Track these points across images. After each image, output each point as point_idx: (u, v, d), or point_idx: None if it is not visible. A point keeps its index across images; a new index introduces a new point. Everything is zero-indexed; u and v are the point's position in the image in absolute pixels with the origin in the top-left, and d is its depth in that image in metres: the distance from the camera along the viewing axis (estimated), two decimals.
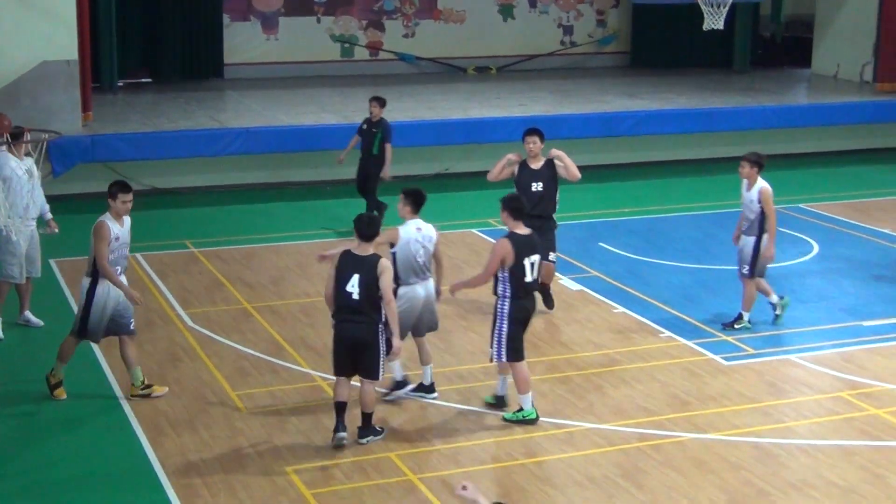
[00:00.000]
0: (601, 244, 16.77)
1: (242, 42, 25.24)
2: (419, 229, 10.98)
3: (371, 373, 10.15)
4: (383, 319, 10.08)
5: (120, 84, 23.33)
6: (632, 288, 14.73)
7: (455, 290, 11.21)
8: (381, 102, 17.25)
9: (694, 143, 22.38)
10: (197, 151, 19.16)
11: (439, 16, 26.61)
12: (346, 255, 10.08)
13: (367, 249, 10.05)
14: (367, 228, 10.10)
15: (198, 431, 10.51)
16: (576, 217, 17.87)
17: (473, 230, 17.35)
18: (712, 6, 19.67)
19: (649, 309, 13.98)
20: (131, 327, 11.24)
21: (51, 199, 18.34)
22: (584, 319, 13.66)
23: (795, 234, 17.45)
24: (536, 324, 13.33)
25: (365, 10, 26.07)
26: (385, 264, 10.03)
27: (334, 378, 10.34)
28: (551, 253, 13.38)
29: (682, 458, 10.18)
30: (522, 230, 10.64)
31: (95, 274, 10.99)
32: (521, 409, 10.82)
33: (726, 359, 12.48)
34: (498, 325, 10.70)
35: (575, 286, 14.81)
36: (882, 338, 13.15)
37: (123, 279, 11.09)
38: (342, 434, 10.19)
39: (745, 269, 13.24)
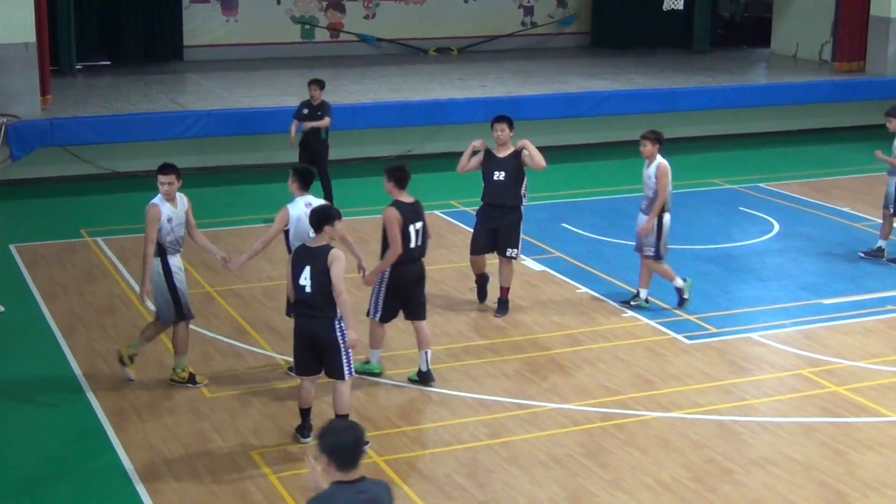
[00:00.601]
0: (564, 225, 16.81)
1: (202, 24, 25.09)
2: (309, 205, 10.75)
3: (337, 373, 9.85)
4: (339, 315, 9.78)
5: (79, 67, 23.14)
6: (594, 268, 14.78)
7: (370, 282, 11.20)
8: (322, 85, 17.23)
9: (655, 123, 22.17)
10: (157, 134, 19.04)
11: None
12: (301, 247, 9.88)
13: (319, 241, 9.79)
14: (315, 219, 9.83)
15: (161, 417, 10.47)
16: (538, 198, 17.87)
17: (436, 212, 17.31)
18: None
19: (612, 289, 14.03)
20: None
21: (10, 183, 18.32)
22: (546, 300, 13.70)
23: (756, 213, 17.55)
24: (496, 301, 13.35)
25: None
26: (336, 254, 9.67)
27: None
28: (509, 248, 13.09)
29: (646, 436, 10.24)
30: (407, 198, 11.03)
31: (162, 253, 10.93)
32: (367, 362, 11.37)
33: (688, 338, 12.55)
34: (376, 288, 11.18)
35: (538, 267, 14.84)
36: (842, 315, 13.26)
37: (177, 259, 11.07)
38: (306, 440, 10.03)
39: (650, 251, 13.10)
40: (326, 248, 9.70)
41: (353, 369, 9.94)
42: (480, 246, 13.27)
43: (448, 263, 14.92)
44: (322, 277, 9.61)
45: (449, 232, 16.39)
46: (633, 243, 13.55)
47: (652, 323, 12.95)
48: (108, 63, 24.33)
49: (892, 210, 15.02)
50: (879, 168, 19.61)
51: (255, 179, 19.46)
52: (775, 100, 23.03)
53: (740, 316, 13.30)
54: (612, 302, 13.57)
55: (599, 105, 21.50)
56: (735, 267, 15.04)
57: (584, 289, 14.03)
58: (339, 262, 9.65)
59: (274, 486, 9.33)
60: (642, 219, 13.15)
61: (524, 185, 13.20)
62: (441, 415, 10.65)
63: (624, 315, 13.19)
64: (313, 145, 17.14)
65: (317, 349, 9.83)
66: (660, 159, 13.03)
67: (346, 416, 9.90)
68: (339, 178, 19.43)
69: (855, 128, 23.43)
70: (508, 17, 27.45)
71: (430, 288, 13.88)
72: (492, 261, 13.36)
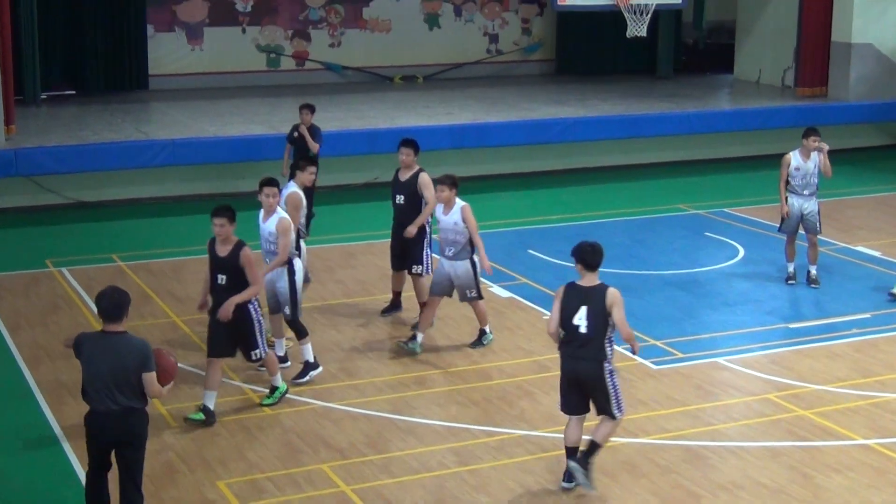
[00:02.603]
0: (530, 251, 16.81)
1: (167, 53, 25.05)
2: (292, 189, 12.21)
3: (609, 412, 9.60)
4: (609, 356, 9.51)
5: (43, 97, 23.01)
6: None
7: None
8: (312, 109, 17.25)
9: (620, 149, 22.55)
10: (123, 164, 18.94)
11: (365, 25, 26.59)
12: (573, 286, 9.54)
13: (593, 280, 9.50)
14: (591, 257, 9.49)
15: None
16: (504, 224, 17.93)
17: None
18: (635, 13, 19.89)
19: None
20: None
21: None
22: (514, 326, 13.69)
23: (721, 238, 17.62)
24: (466, 330, 13.35)
25: (290, 20, 25.99)
26: (616, 296, 9.41)
27: (566, 418, 9.79)
28: (414, 265, 13.30)
29: (614, 462, 10.22)
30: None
31: (288, 262, 11.66)
32: (276, 389, 11.41)
33: (655, 363, 12.56)
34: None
35: (504, 293, 14.84)
36: (807, 339, 13.31)
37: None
38: (570, 484, 9.73)
39: (472, 293, 12.67)
40: (603, 288, 9.46)
41: (621, 407, 9.64)
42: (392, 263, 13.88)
43: (413, 291, 14.87)
44: (598, 318, 9.38)
45: None
46: (621, 271, 13.50)
47: (618, 349, 12.89)
48: (73, 92, 24.25)
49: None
50: (842, 193, 19.78)
51: None
52: (739, 125, 23.18)
53: (707, 341, 13.33)
54: None
55: (565, 132, 21.56)
56: (701, 292, 15.09)
57: (548, 314, 14.00)
58: (620, 304, 9.43)
59: None
60: (458, 265, 12.56)
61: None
62: (408, 443, 10.61)
63: None
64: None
65: (584, 389, 9.56)
66: (460, 202, 12.50)
67: (600, 446, 9.70)
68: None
69: None
70: (473, 45, 27.54)
71: (395, 317, 13.91)
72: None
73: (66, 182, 19.10)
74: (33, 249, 16.81)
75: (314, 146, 16.93)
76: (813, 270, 15.08)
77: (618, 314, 9.43)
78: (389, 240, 13.81)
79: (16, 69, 20.67)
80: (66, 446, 10.44)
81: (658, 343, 13.15)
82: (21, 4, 21.47)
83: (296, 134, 17.20)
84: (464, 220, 12.48)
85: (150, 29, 24.76)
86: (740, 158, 23.49)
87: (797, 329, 13.70)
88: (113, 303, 8.46)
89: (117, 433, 8.46)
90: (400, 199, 13.42)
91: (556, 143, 21.76)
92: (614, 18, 21.73)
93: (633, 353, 10.19)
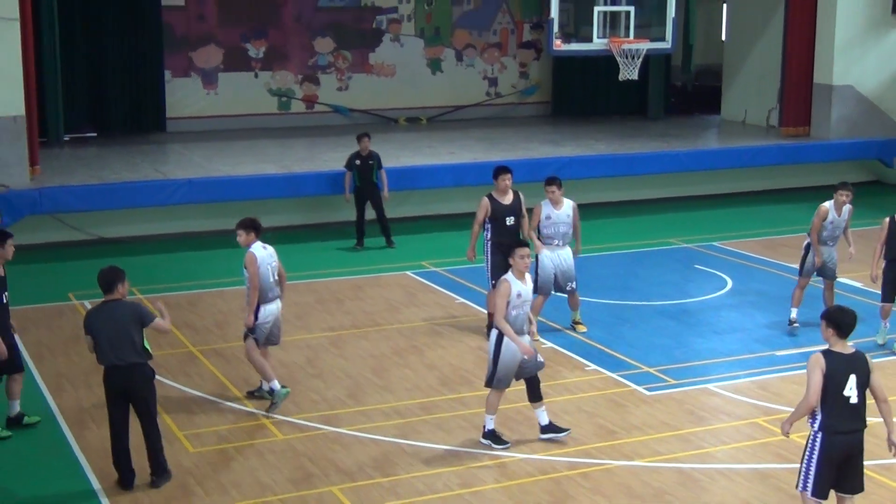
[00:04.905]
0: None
1: (184, 97, 25.15)
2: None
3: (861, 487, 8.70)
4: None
5: (66, 138, 23.08)
6: (558, 324, 14.79)
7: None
8: (369, 136, 18.71)
9: (613, 187, 22.59)
10: (141, 202, 19.02)
11: (371, 70, 26.71)
12: (833, 353, 8.48)
13: (846, 348, 8.55)
14: (846, 322, 8.52)
15: (146, 468, 10.36)
16: None
17: (408, 272, 17.35)
18: (627, 58, 19.96)
19: (575, 344, 14.05)
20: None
21: None
22: None
23: (710, 270, 17.64)
24: (468, 360, 13.37)
25: (300, 66, 26.11)
26: (874, 365, 8.56)
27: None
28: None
29: (610, 484, 10.22)
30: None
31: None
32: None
33: (648, 389, 12.56)
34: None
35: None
36: (793, 366, 13.28)
37: (524, 339, 10.81)
38: None
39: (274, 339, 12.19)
40: (862, 354, 8.57)
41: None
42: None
43: (419, 322, 14.92)
44: (865, 385, 8.47)
45: (420, 291, 16.40)
46: (615, 301, 13.54)
47: (613, 375, 12.96)
48: (95, 134, 24.31)
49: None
50: None
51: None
52: (726, 163, 23.21)
53: (697, 368, 13.33)
54: (575, 356, 13.57)
55: (561, 170, 21.41)
56: (691, 321, 15.10)
57: (548, 343, 14.03)
58: (877, 369, 8.61)
59: None
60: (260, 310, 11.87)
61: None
62: (414, 466, 10.60)
63: (587, 368, 13.19)
64: (367, 191, 18.61)
65: (846, 464, 8.54)
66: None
67: None
68: (315, 241, 19.50)
69: (802, 189, 23.63)
70: (474, 88, 27.66)
71: (401, 344, 13.94)
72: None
73: (87, 219, 19.15)
74: (57, 283, 16.85)
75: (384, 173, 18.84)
76: None
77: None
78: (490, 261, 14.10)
79: (40, 112, 20.79)
80: (87, 469, 10.44)
81: (651, 370, 13.15)
82: (45, 51, 21.58)
83: (358, 162, 18.44)
84: (246, 266, 11.81)
85: (167, 74, 24.88)
86: (728, 195, 23.53)
87: (783, 356, 13.70)
88: (106, 279, 10.03)
89: (126, 385, 9.87)
90: (510, 220, 14.02)
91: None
92: (607, 62, 21.78)
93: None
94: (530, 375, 10.99)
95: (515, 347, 10.73)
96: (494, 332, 10.85)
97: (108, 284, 10.03)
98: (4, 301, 11.36)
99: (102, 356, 9.92)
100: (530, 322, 11.04)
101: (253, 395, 12.23)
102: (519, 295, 10.72)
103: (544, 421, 11.09)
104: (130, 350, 9.86)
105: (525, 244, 11.05)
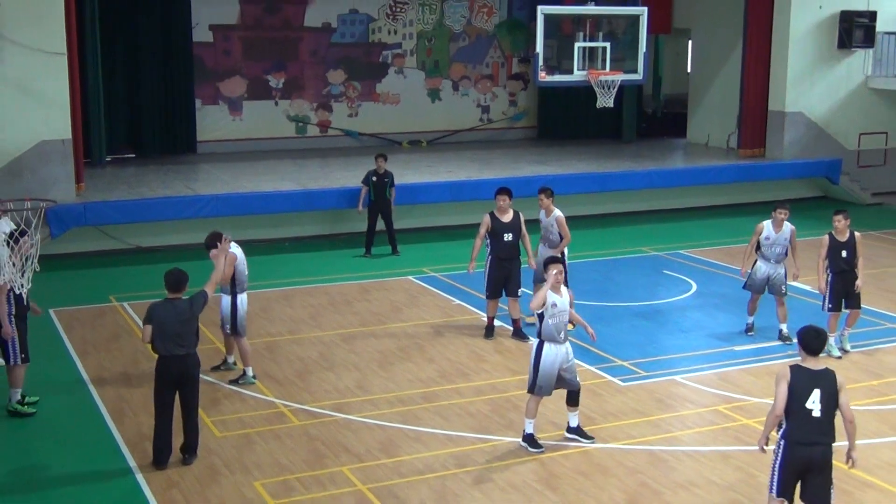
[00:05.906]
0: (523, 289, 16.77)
1: (212, 122, 25.14)
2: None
3: (827, 499, 8.16)
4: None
5: (108, 159, 23.07)
6: None
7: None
8: (385, 157, 18.86)
9: (592, 201, 22.58)
10: (174, 215, 19.01)
11: (378, 98, 26.71)
12: (799, 368, 8.16)
13: (819, 364, 8.16)
14: (814, 342, 8.14)
15: (177, 453, 10.34)
16: None
17: (410, 277, 17.33)
18: (603, 88, 19.95)
19: None
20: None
21: (49, 257, 18.18)
22: (504, 350, 13.68)
23: (677, 275, 17.63)
24: (464, 354, 13.34)
25: (315, 95, 26.11)
26: (843, 381, 8.13)
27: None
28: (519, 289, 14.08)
29: (588, 464, 10.20)
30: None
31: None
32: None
33: (623, 380, 12.54)
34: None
35: (498, 323, 14.81)
36: (751, 360, 13.29)
37: (552, 347, 10.42)
38: None
39: (227, 328, 12.41)
40: (831, 372, 8.16)
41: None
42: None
43: (420, 321, 14.90)
44: (831, 401, 8.05)
45: (421, 294, 16.38)
46: (593, 303, 13.48)
47: (592, 368, 12.94)
48: (133, 155, 24.28)
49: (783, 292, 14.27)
50: None
51: (257, 252, 19.39)
52: (691, 181, 23.23)
53: (666, 361, 13.31)
54: None
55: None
56: (661, 320, 15.08)
57: (535, 340, 13.96)
58: (846, 390, 8.17)
59: None
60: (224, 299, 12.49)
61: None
62: (416, 448, 10.58)
63: None
64: (380, 205, 18.73)
65: (808, 474, 8.15)
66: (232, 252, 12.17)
67: None
68: (327, 249, 19.48)
69: (758, 203, 23.59)
70: (469, 115, 27.66)
71: (404, 341, 13.92)
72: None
73: (126, 230, 19.13)
74: (99, 287, 16.82)
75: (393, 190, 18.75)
76: (784, 328, 13.93)
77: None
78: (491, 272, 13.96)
79: (85, 136, 20.80)
80: (128, 456, 10.40)
81: (625, 363, 13.13)
82: (89, 81, 21.59)
83: (374, 179, 18.65)
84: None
85: (198, 102, 24.86)
86: (693, 208, 23.53)
87: (741, 351, 13.68)
88: (176, 279, 10.15)
89: (182, 371, 9.95)
90: (508, 236, 13.80)
91: (538, 197, 21.72)
92: (586, 92, 21.74)
93: None
94: (571, 389, 10.69)
95: (554, 356, 10.38)
96: (535, 342, 10.63)
97: (177, 284, 10.12)
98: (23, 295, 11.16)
99: (163, 346, 9.91)
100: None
101: (218, 368, 12.66)
102: (554, 305, 10.38)
103: (574, 423, 10.80)
104: (194, 340, 10.03)
105: (558, 260, 10.73)
